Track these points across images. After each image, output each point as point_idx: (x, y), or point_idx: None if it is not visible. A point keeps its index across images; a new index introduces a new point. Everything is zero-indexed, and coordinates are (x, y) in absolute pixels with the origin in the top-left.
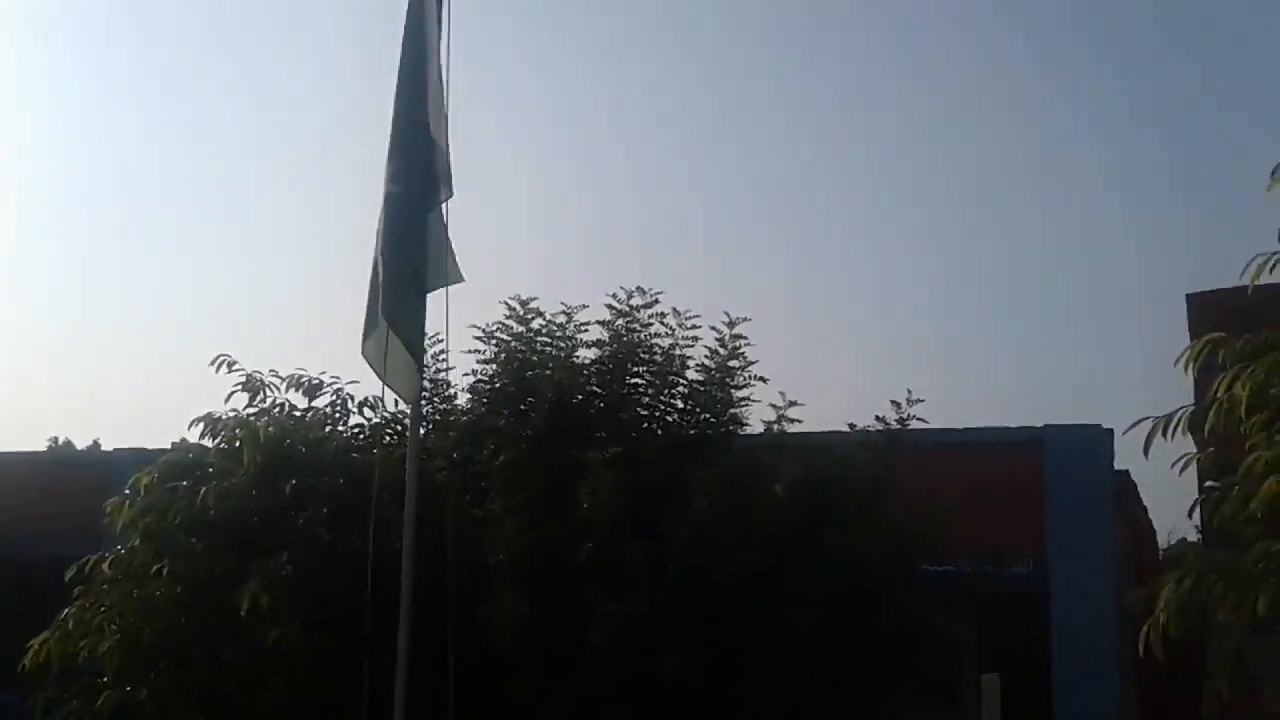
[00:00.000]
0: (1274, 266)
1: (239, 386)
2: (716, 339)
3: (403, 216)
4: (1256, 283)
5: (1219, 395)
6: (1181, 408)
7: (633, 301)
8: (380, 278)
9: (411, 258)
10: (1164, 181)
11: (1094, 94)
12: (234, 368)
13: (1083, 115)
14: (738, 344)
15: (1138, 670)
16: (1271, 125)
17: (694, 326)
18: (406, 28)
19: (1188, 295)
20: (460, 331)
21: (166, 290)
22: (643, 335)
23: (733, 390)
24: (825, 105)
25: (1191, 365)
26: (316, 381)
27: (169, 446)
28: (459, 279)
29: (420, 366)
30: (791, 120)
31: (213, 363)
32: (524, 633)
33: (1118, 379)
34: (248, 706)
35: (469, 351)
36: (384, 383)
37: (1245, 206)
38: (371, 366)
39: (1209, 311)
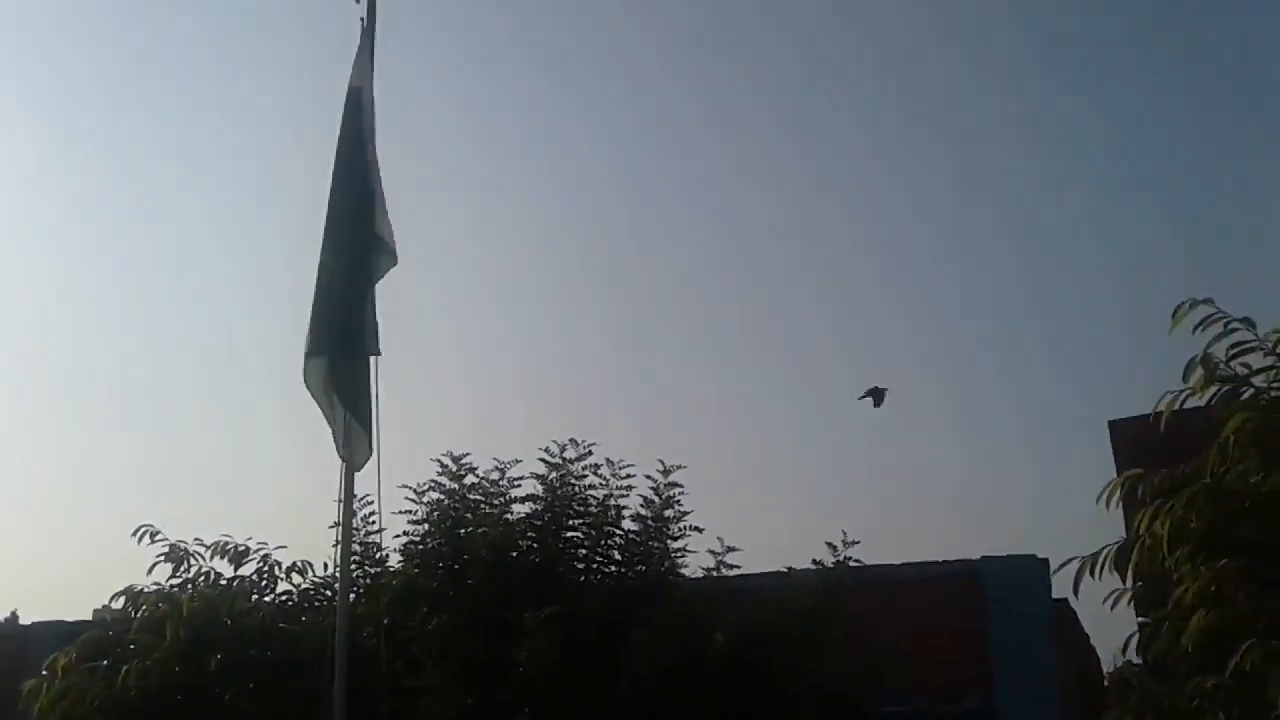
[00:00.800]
0: (1182, 404)
1: (162, 557)
2: (651, 488)
3: (340, 281)
4: (1169, 415)
5: (1141, 533)
6: (1106, 546)
7: (566, 454)
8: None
9: (349, 322)
10: (1093, 308)
11: (1025, 219)
12: (157, 538)
13: (1010, 244)
14: (672, 492)
15: None
16: (1191, 255)
17: (628, 476)
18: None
19: (1109, 422)
20: (391, 492)
21: (87, 459)
22: (577, 487)
23: (669, 540)
24: (751, 253)
25: (1112, 502)
26: (243, 548)
27: (90, 617)
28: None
29: (370, 433)
30: (718, 267)
31: (135, 533)
32: None
33: (1050, 506)
34: None
35: (400, 512)
36: (336, 440)
37: (1162, 334)
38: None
39: (1131, 438)
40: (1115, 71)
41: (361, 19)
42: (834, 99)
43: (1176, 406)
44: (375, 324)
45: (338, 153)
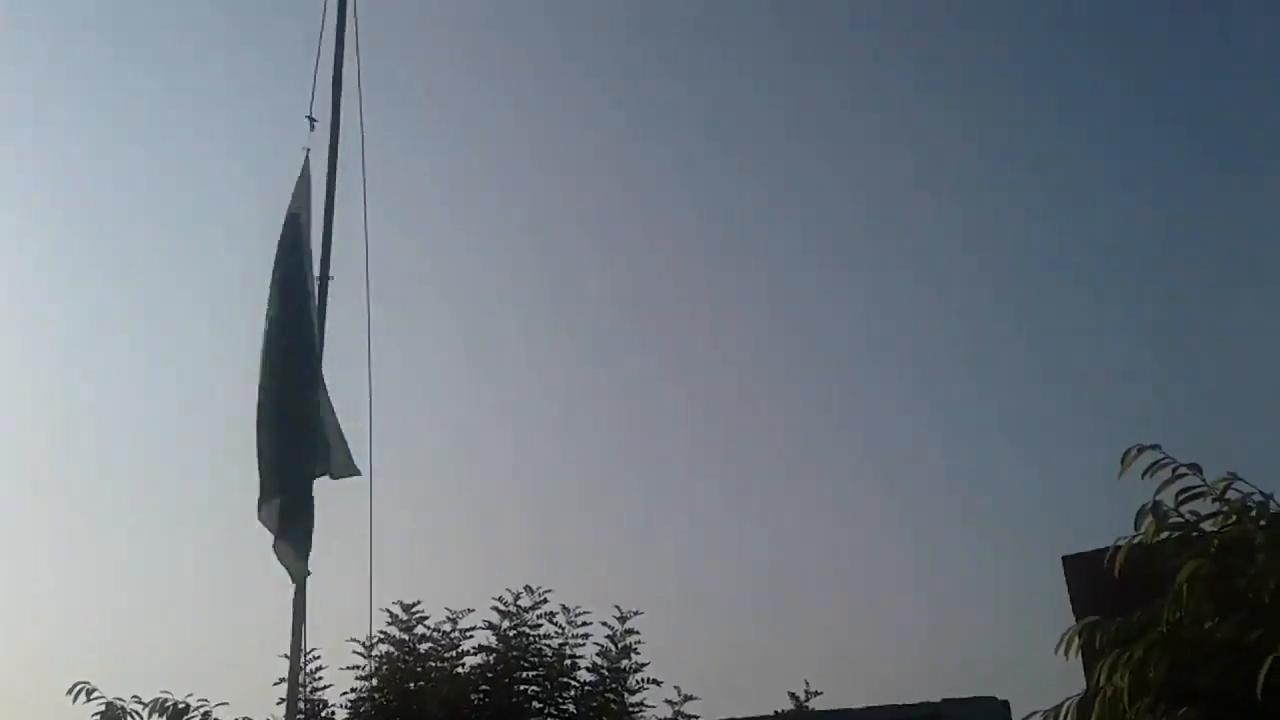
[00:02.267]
0: (1135, 550)
1: (98, 717)
2: (608, 636)
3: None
4: (1123, 564)
5: (1101, 684)
6: (1068, 699)
7: (520, 602)
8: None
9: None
10: (1050, 443)
11: (979, 351)
12: (93, 696)
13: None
14: (629, 641)
15: None
16: (1150, 394)
17: (585, 624)
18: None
19: (1064, 558)
20: (339, 647)
21: (18, 608)
22: (531, 636)
23: (625, 693)
24: (706, 386)
25: (1070, 653)
26: (182, 705)
27: None
28: (355, 471)
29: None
30: (667, 398)
31: (70, 691)
32: None
33: (1009, 645)
34: None
35: (349, 667)
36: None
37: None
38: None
39: (1085, 572)
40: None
41: (306, 149)
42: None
43: (1128, 553)
44: (328, 445)
45: (275, 280)
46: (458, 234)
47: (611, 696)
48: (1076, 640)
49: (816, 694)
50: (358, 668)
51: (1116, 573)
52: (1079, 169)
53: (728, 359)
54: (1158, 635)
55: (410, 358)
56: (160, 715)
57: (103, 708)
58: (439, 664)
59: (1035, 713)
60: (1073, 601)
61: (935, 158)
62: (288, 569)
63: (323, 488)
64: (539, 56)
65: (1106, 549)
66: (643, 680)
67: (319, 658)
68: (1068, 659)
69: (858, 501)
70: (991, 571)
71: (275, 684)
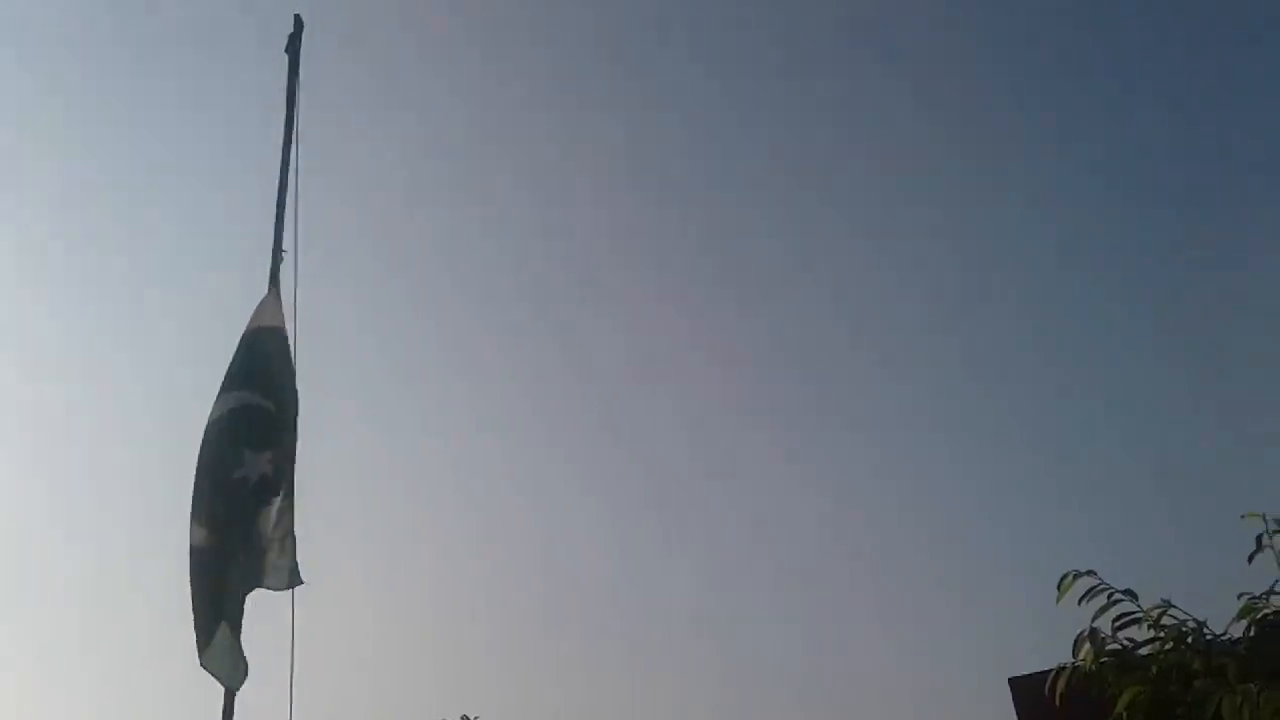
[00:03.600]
0: (1074, 676)
1: None
2: None
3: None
4: (1064, 692)
5: None
6: None
7: None
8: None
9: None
10: (990, 565)
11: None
12: None
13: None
14: None
15: None
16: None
17: None
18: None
19: (1010, 679)
20: None
21: None
22: None
23: None
24: (625, 502)
25: None
26: None
27: None
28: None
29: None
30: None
31: None
32: None
33: None
34: None
35: None
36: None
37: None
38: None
39: (1031, 693)
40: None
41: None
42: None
43: (1069, 680)
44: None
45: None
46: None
47: None
48: None
49: None
50: None
51: (1057, 700)
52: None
53: (636, 459)
54: None
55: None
56: None
57: None
58: None
59: None
60: None
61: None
62: (219, 677)
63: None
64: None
65: (1047, 687)
66: None
67: None
68: None
69: (792, 619)
70: (941, 693)
71: None
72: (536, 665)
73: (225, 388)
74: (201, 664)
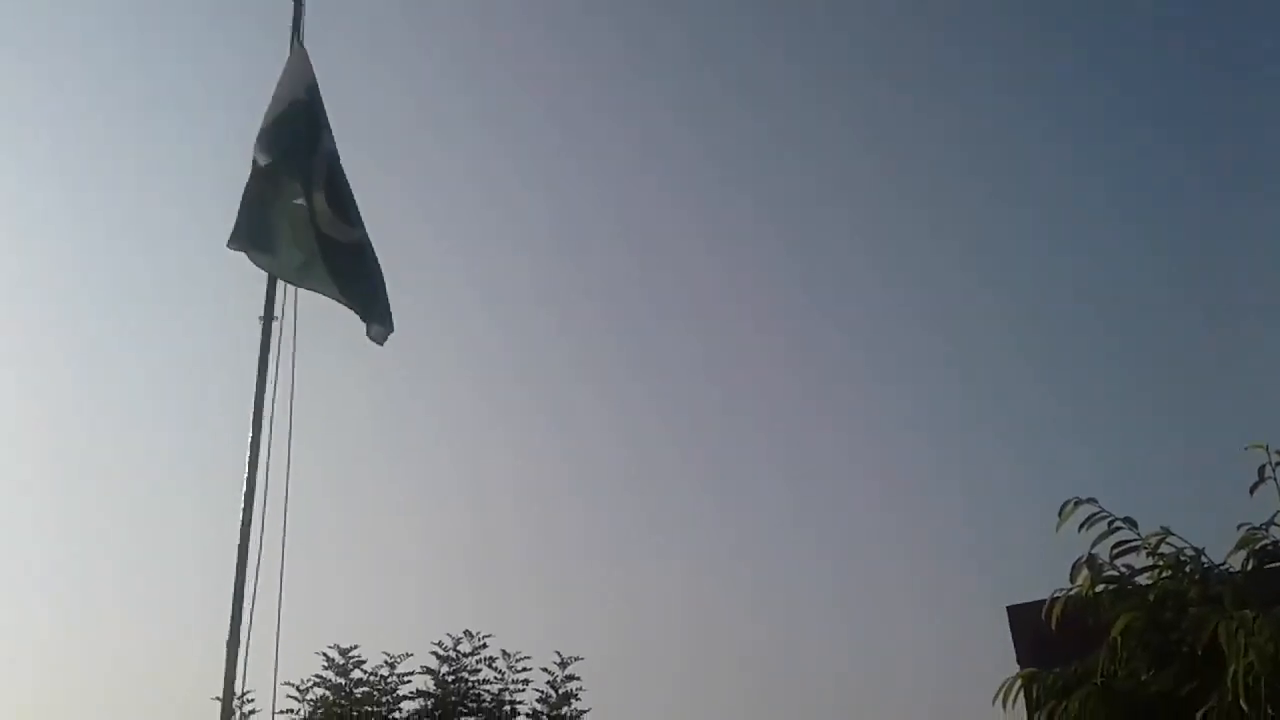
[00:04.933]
0: (1072, 602)
1: None
2: (548, 681)
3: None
4: (1060, 616)
5: None
6: None
7: (460, 647)
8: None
9: None
10: (997, 489)
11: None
12: None
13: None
14: (570, 687)
15: None
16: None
17: (525, 669)
18: None
19: (1008, 608)
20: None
21: None
22: (470, 682)
23: None
24: (649, 437)
25: (1008, 703)
26: None
27: None
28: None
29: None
30: (606, 432)
31: None
32: None
33: (955, 695)
34: None
35: (283, 712)
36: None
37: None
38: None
39: (1030, 622)
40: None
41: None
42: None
43: (1065, 606)
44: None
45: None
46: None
47: None
48: (1015, 691)
49: None
50: (291, 712)
51: (1053, 625)
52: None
53: (656, 395)
54: (1093, 687)
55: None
56: None
57: None
58: (375, 708)
59: None
60: (1018, 651)
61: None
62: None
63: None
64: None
65: (1044, 612)
66: None
67: (252, 699)
68: (1005, 710)
69: (797, 547)
70: (939, 619)
71: None
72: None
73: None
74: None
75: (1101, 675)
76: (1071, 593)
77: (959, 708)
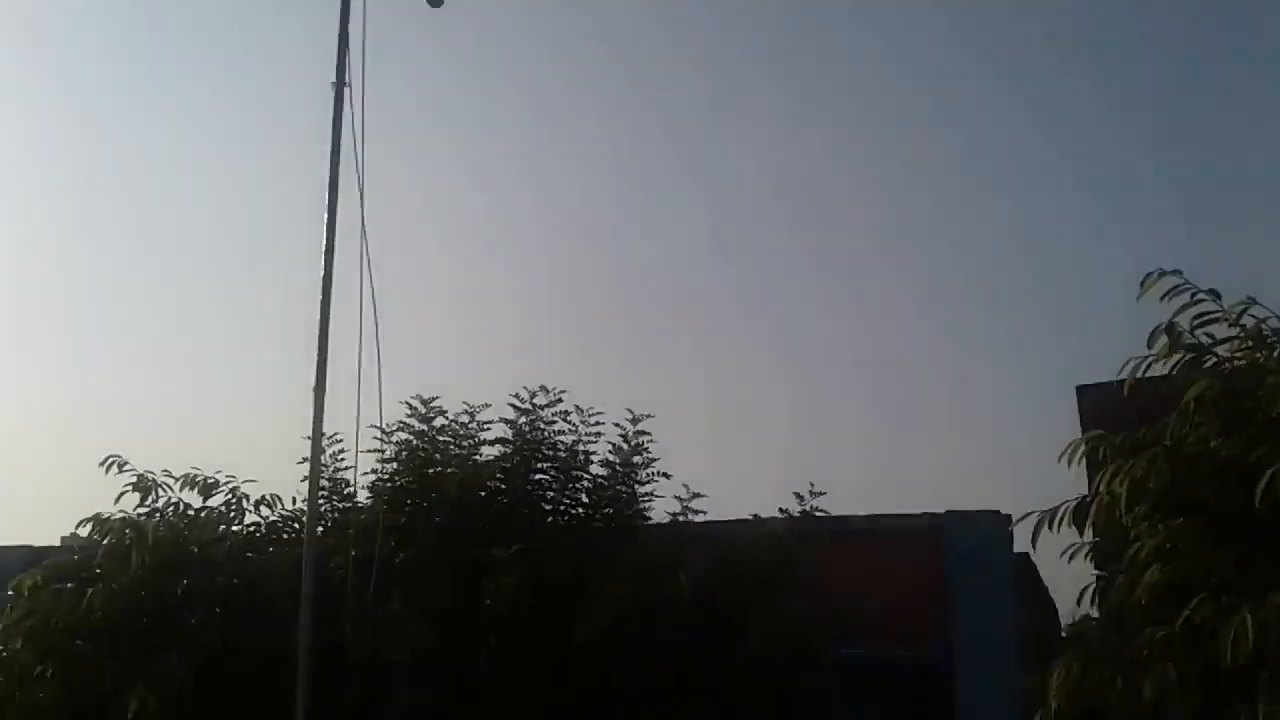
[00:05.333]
0: (1145, 370)
1: (129, 487)
2: (620, 435)
3: None
4: (1133, 381)
5: (1100, 491)
6: (1064, 502)
7: (536, 400)
8: None
9: None
10: (1060, 269)
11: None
12: (125, 468)
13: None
14: (640, 440)
15: None
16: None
17: (597, 424)
18: None
19: (1077, 387)
20: (360, 431)
21: (57, 386)
22: (546, 433)
23: (636, 485)
24: (737, 204)
25: (1074, 461)
26: (211, 480)
27: (58, 543)
28: None
29: None
30: (691, 208)
31: (103, 464)
32: None
33: (1017, 468)
34: None
35: (369, 450)
36: None
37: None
38: None
39: (1098, 403)
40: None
41: None
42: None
43: (1141, 373)
44: None
45: None
46: None
47: (623, 488)
48: (1081, 450)
49: (821, 494)
50: (378, 451)
51: (1125, 390)
52: None
53: (746, 155)
54: (1161, 449)
55: (425, 155)
56: (190, 488)
57: (134, 479)
58: (457, 450)
59: (1033, 512)
60: (1084, 432)
61: None
62: None
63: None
64: None
65: (1120, 381)
66: (652, 474)
67: (341, 440)
68: (1070, 468)
69: (879, 309)
70: (1006, 396)
71: (299, 463)
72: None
73: None
74: None
75: (1170, 438)
76: (1148, 360)
77: (1021, 484)
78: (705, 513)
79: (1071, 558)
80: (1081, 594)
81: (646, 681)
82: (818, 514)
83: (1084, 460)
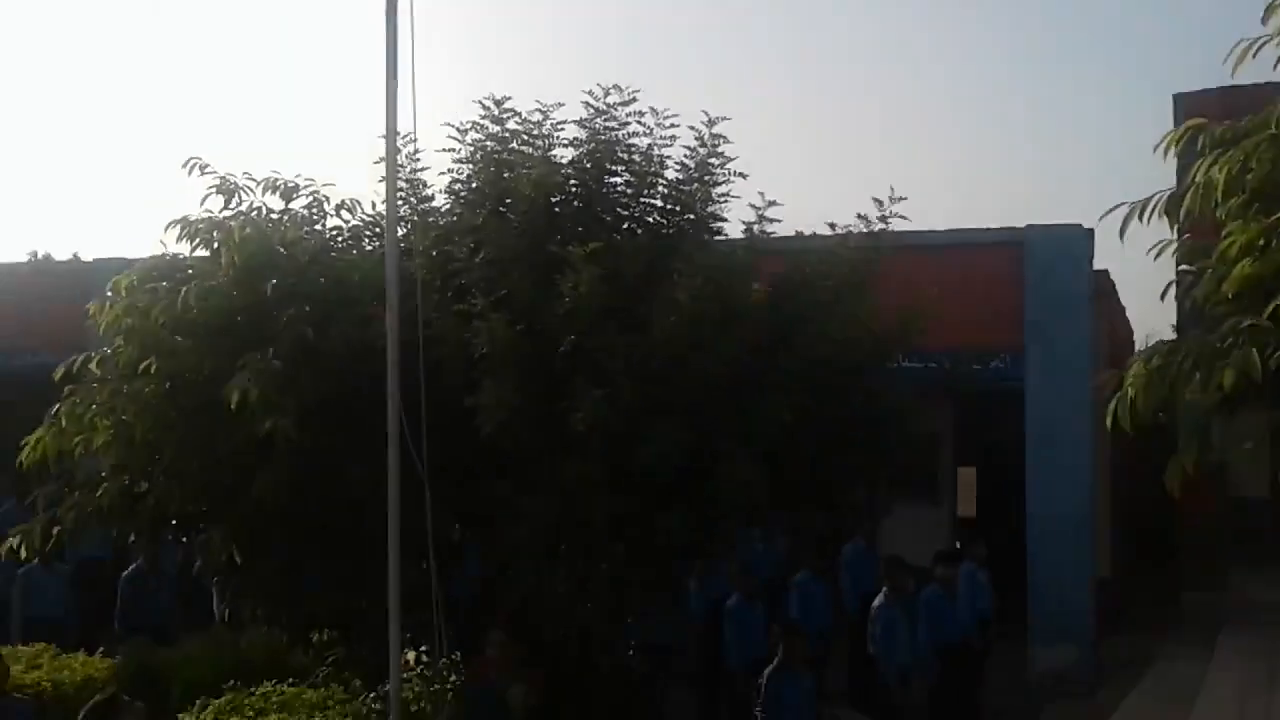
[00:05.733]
0: (1257, 51)
1: (213, 189)
2: (695, 138)
3: None
4: (1241, 68)
5: (1196, 180)
6: (1158, 193)
7: (609, 100)
8: None
9: None
10: None
11: None
12: (207, 170)
13: None
14: (717, 143)
15: (1109, 464)
16: None
17: (672, 126)
18: None
19: (1175, 95)
20: (433, 131)
21: (143, 96)
22: (620, 134)
23: (711, 188)
24: None
25: (1171, 150)
26: (293, 184)
27: (148, 255)
28: None
29: None
30: None
31: (185, 165)
32: (509, 423)
33: (1103, 180)
34: (242, 495)
35: (444, 150)
36: None
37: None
38: None
39: (1197, 111)
40: None
41: None
42: None
43: (1253, 55)
44: None
45: None
46: None
47: (698, 192)
48: (1179, 140)
49: (901, 199)
50: (453, 150)
51: (1232, 73)
52: None
53: None
54: (1266, 136)
55: None
56: (272, 192)
57: (217, 182)
58: (531, 149)
59: (1122, 204)
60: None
61: None
62: None
63: None
64: None
65: (1218, 89)
66: (728, 174)
67: (415, 140)
68: (1166, 159)
69: (969, 18)
70: (1098, 105)
71: (375, 163)
72: None
73: None
74: None
75: (1276, 126)
76: (1259, 42)
77: (1107, 199)
78: (780, 221)
79: (1158, 255)
80: (1166, 290)
81: (722, 373)
82: (899, 220)
83: (1176, 155)
